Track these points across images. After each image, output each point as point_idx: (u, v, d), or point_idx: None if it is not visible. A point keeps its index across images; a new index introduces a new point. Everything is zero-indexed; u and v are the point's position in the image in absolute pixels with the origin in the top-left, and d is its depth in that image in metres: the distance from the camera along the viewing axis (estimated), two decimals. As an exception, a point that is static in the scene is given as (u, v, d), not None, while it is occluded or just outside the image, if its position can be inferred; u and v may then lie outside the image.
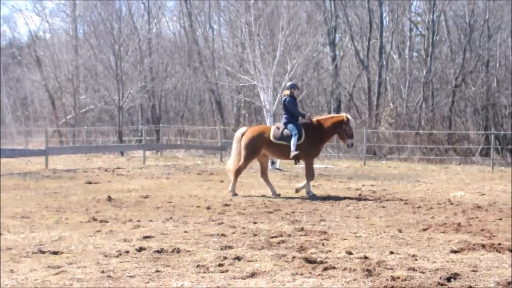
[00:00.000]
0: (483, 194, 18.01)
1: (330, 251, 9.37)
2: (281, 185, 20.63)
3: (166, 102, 52.86)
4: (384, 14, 46.80)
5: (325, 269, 8.06)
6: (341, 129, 17.61)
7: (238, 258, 8.68)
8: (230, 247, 9.55)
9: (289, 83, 18.71)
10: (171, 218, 12.65)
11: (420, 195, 17.60)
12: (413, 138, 36.41)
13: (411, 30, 49.79)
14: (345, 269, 8.08)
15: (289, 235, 10.69)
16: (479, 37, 40.24)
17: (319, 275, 7.83)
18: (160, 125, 45.55)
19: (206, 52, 49.75)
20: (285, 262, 8.49)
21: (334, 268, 8.13)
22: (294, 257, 8.70)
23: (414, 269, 8.10)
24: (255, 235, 10.66)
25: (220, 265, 8.31)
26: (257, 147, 17.67)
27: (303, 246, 9.64)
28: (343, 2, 45.04)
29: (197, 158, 36.27)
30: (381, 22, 44.58)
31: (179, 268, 8.19)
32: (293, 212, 13.80)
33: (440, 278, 7.67)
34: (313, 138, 17.58)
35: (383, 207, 15.00)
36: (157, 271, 7.96)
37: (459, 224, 11.96)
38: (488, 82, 38.28)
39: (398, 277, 7.67)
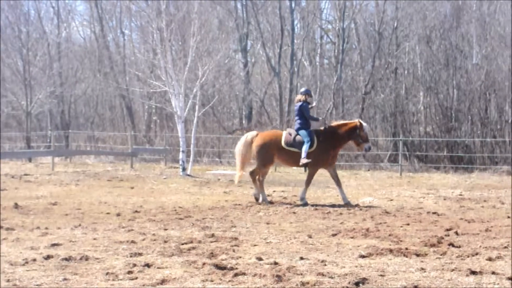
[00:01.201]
0: (391, 200, 18.32)
1: (240, 257, 9.38)
2: (192, 191, 20.58)
3: (76, 108, 52.09)
4: (296, 21, 47.16)
5: (235, 275, 8.07)
6: (356, 135, 17.39)
7: (148, 265, 8.61)
8: (140, 254, 9.47)
9: (303, 89, 18.30)
10: (80, 225, 12.47)
11: (330, 201, 17.79)
12: (324, 145, 36.75)
13: (322, 37, 50.28)
14: (255, 275, 8.11)
15: (200, 242, 10.66)
16: (388, 45, 40.93)
17: (229, 281, 7.83)
18: (70, 131, 44.88)
19: (117, 58, 49.16)
20: (195, 269, 8.46)
21: (244, 274, 8.15)
22: (204, 264, 8.67)
23: (323, 274, 8.18)
24: (165, 241, 10.60)
25: (130, 272, 8.23)
26: (269, 153, 17.33)
27: (214, 253, 9.63)
28: (255, 9, 45.21)
29: (107, 164, 35.86)
30: (293, 29, 44.90)
31: (87, 276, 8.07)
32: (203, 219, 13.77)
33: (349, 283, 7.77)
34: (325, 146, 17.28)
35: (294, 213, 15.11)
36: (65, 279, 7.84)
37: (367, 230, 12.14)
38: (396, 89, 38.95)
39: (308, 283, 7.74)
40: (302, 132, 17.21)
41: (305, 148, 16.99)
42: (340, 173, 29.87)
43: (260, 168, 17.47)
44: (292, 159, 17.35)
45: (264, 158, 17.34)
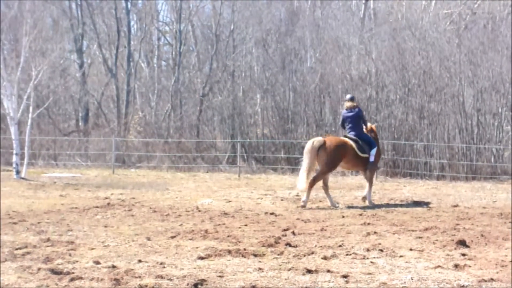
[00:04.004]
0: (229, 201, 18.41)
1: (77, 261, 9.18)
2: (27, 194, 19.95)
3: None
4: (132, 23, 46.84)
5: (72, 279, 7.91)
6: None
7: (-22, 272, 8.26)
8: (-30, 261, 9.07)
9: (349, 95, 18.57)
10: None
11: (169, 203, 17.69)
12: (162, 147, 36.61)
13: (159, 39, 50.20)
14: (92, 279, 7.97)
15: (35, 246, 10.35)
16: (225, 47, 41.32)
17: (65, 286, 7.67)
18: None
19: None
20: (30, 274, 8.21)
21: (81, 278, 8.00)
22: (39, 269, 8.44)
23: (162, 277, 8.15)
24: (-2, 247, 10.22)
25: (-41, 280, 7.86)
26: (339, 159, 17.29)
27: (49, 257, 9.37)
28: (90, 9, 44.48)
29: None
30: (129, 31, 44.51)
31: None
32: (39, 223, 13.36)
33: (187, 284, 7.78)
34: (379, 148, 18.35)
35: (132, 215, 14.94)
36: None
37: (206, 231, 12.17)
38: (234, 91, 39.29)
39: (146, 285, 7.70)
40: (365, 136, 17.80)
41: (373, 152, 17.59)
42: (179, 175, 30.00)
43: (325, 173, 17.42)
44: (361, 164, 17.84)
45: (333, 163, 17.35)
